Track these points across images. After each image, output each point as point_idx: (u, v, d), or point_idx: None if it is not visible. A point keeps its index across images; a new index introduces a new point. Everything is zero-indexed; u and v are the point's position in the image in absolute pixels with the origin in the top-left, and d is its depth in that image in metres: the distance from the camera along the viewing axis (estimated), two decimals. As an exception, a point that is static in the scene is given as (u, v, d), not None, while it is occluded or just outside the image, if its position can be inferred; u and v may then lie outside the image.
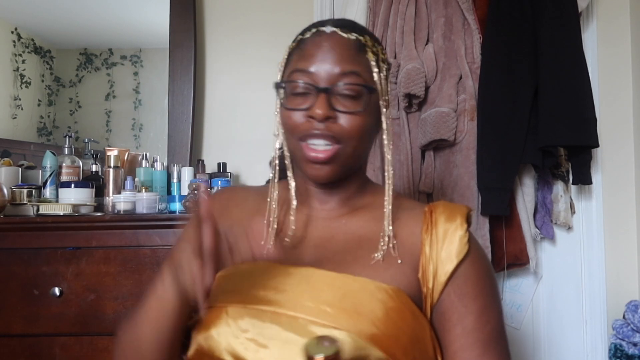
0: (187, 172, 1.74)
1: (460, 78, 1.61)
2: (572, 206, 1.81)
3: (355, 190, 0.84)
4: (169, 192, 1.75)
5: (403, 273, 0.75)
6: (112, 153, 1.72)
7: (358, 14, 1.70)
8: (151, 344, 0.73)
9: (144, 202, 1.54)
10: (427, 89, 1.62)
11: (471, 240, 0.77)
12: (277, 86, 0.79)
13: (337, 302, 0.70)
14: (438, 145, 1.63)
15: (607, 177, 1.86)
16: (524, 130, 1.57)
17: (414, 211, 0.81)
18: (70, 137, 1.76)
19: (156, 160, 1.77)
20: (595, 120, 1.57)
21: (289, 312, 0.70)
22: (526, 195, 1.71)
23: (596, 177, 1.81)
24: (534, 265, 1.70)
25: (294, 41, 0.82)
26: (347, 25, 0.79)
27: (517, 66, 1.58)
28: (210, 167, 1.82)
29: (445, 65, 1.61)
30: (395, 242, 0.77)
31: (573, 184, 1.70)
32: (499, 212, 1.57)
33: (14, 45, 2.00)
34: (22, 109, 1.99)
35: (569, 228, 1.81)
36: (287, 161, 0.83)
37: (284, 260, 0.76)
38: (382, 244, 0.76)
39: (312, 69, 0.76)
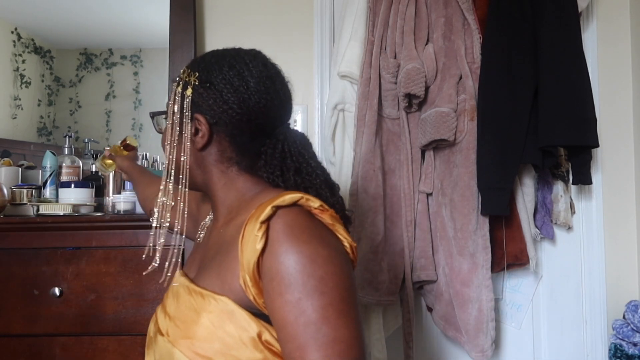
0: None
1: (460, 78, 1.61)
2: (572, 206, 1.81)
3: (216, 202, 0.92)
4: (169, 192, 1.75)
5: (227, 281, 0.80)
6: (112, 153, 1.73)
7: (358, 14, 1.70)
8: None
9: (144, 202, 1.54)
10: (427, 89, 1.62)
11: (272, 233, 0.75)
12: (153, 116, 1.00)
13: (172, 308, 0.86)
14: (438, 145, 1.63)
15: (607, 177, 1.86)
16: (524, 130, 1.57)
17: (243, 220, 0.82)
18: (70, 137, 1.76)
19: (156, 160, 1.77)
20: (595, 120, 1.57)
21: (156, 320, 0.89)
22: (526, 195, 1.71)
23: (596, 177, 1.81)
24: (534, 265, 1.70)
25: None
26: (191, 63, 0.92)
27: (517, 66, 1.58)
28: (210, 167, 1.82)
29: (445, 65, 1.61)
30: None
31: (573, 184, 1.70)
32: (499, 212, 1.57)
33: (14, 45, 2.00)
34: (22, 109, 1.99)
35: (569, 228, 1.81)
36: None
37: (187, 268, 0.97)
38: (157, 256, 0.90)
39: None
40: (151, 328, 0.91)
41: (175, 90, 0.87)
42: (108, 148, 1.49)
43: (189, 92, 0.85)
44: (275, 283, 0.73)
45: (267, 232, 0.75)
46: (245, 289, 0.76)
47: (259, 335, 0.77)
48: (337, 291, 0.73)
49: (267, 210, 0.76)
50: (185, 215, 0.89)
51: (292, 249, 0.74)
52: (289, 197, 0.78)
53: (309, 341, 0.70)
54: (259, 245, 0.74)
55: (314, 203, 0.79)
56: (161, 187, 0.89)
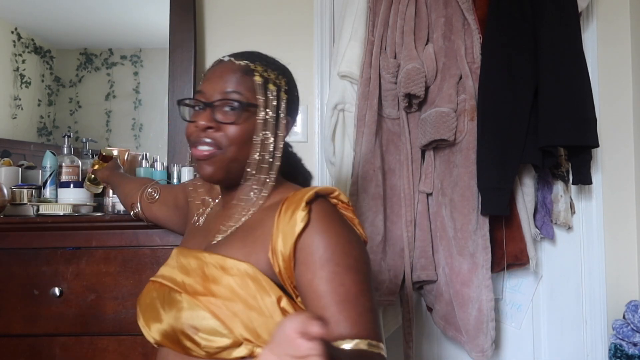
0: (187, 172, 1.74)
1: (460, 78, 1.61)
2: (572, 206, 1.81)
3: (240, 186, 0.97)
4: (169, 192, 1.75)
5: (254, 252, 0.87)
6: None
7: (358, 14, 1.70)
8: None
9: (144, 202, 1.54)
10: (427, 89, 1.62)
11: (313, 214, 0.84)
12: (180, 103, 0.98)
13: (195, 274, 0.88)
14: (438, 145, 1.63)
15: (607, 177, 1.86)
16: (524, 130, 1.57)
17: (276, 202, 0.92)
18: (70, 137, 1.76)
19: (156, 160, 1.76)
20: (595, 120, 1.57)
21: (169, 284, 0.91)
22: (526, 195, 1.71)
23: (596, 177, 1.81)
24: (534, 265, 1.70)
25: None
26: (242, 55, 0.96)
27: (517, 66, 1.58)
28: (210, 167, 1.82)
29: (445, 65, 1.61)
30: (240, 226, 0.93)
31: (573, 184, 1.70)
32: (499, 212, 1.57)
33: (14, 45, 2.00)
34: (22, 109, 1.99)
35: (569, 228, 1.81)
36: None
37: (189, 244, 1.01)
38: (224, 228, 0.94)
39: (205, 88, 0.93)
40: (151, 295, 0.95)
41: (268, 88, 0.93)
42: (108, 148, 1.50)
43: (284, 95, 0.95)
44: (316, 257, 0.81)
45: (309, 213, 0.84)
46: (273, 260, 0.84)
47: (278, 300, 0.83)
48: (366, 272, 0.84)
49: (311, 194, 0.85)
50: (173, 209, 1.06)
51: (332, 230, 0.84)
52: (329, 188, 0.90)
53: (348, 309, 0.78)
54: (302, 223, 0.82)
55: (344, 198, 0.91)
56: (248, 182, 0.94)
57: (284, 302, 0.83)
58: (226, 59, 0.96)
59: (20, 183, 1.66)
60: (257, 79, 0.92)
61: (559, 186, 1.77)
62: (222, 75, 0.93)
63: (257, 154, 0.91)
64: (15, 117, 1.98)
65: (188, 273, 0.89)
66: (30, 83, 2.01)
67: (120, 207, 1.56)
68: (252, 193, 0.94)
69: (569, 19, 1.59)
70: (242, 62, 0.94)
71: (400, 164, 1.66)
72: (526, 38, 1.59)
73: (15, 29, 2.00)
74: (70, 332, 1.40)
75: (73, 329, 1.39)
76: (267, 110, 0.92)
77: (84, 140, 1.91)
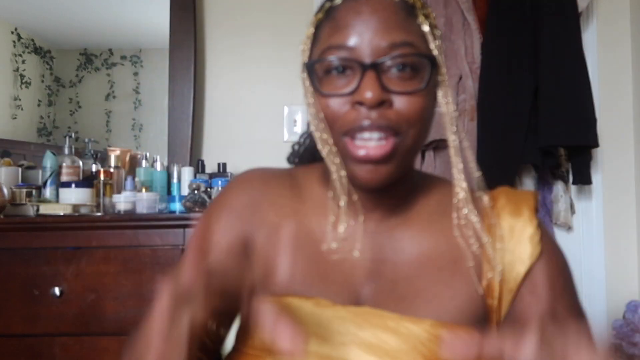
0: (187, 172, 1.74)
1: (460, 78, 1.61)
2: (572, 206, 1.81)
3: (407, 192, 0.67)
4: (169, 192, 1.75)
5: (468, 294, 0.62)
6: (114, 153, 1.73)
7: (358, 14, 1.70)
8: None
9: (144, 202, 1.54)
10: (427, 89, 1.62)
11: (543, 236, 0.64)
12: (308, 67, 0.61)
13: (402, 354, 0.57)
14: (438, 145, 1.63)
15: (607, 177, 1.86)
16: (524, 130, 1.57)
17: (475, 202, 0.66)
18: (70, 137, 1.76)
19: (156, 160, 1.77)
20: (595, 120, 1.57)
21: None
22: (526, 195, 1.71)
23: (596, 177, 1.81)
24: (534, 265, 1.69)
25: (319, 10, 0.63)
26: None
27: (517, 66, 1.58)
28: (210, 167, 1.82)
29: (445, 65, 1.61)
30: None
31: (573, 184, 1.70)
32: (499, 212, 1.57)
33: (14, 46, 2.00)
34: (22, 109, 1.99)
35: (569, 228, 1.81)
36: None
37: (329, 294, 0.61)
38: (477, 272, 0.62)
39: (352, 42, 0.58)
40: None
41: (435, 35, 0.62)
42: (109, 147, 1.49)
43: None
44: (543, 286, 0.63)
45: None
46: (487, 297, 0.62)
47: None
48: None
49: (536, 207, 0.65)
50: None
51: (560, 250, 0.67)
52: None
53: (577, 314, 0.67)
54: (537, 250, 0.63)
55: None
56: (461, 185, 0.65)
57: None
58: None
59: (20, 183, 1.66)
60: (422, 20, 0.61)
61: (559, 186, 1.77)
62: (379, 16, 0.58)
63: (454, 135, 0.64)
64: (15, 117, 1.98)
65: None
66: (30, 83, 2.01)
67: (120, 207, 1.56)
68: (461, 195, 0.64)
69: (569, 19, 1.59)
70: None
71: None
72: (526, 38, 1.59)
73: (15, 29, 2.00)
74: (70, 332, 1.39)
75: (73, 329, 1.39)
76: (444, 70, 0.63)
77: (85, 140, 1.91)
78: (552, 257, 0.65)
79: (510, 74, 1.58)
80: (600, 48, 1.88)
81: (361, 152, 0.57)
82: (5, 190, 1.52)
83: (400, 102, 0.58)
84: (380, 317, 0.59)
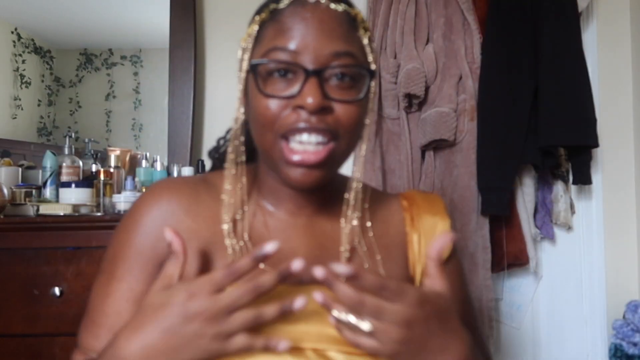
0: (187, 172, 1.74)
1: (460, 78, 1.61)
2: (572, 206, 1.81)
3: (332, 188, 0.72)
4: (169, 192, 1.75)
5: (395, 274, 0.70)
6: (114, 153, 1.73)
7: (358, 14, 1.70)
8: None
9: (144, 202, 1.54)
10: (427, 89, 1.62)
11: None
12: (252, 67, 0.62)
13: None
14: (438, 145, 1.63)
15: (607, 177, 1.86)
16: (524, 130, 1.57)
17: (389, 202, 0.75)
18: (71, 137, 1.76)
19: (156, 160, 1.77)
20: (595, 120, 1.57)
21: (314, 345, 0.60)
22: (526, 195, 1.71)
23: (596, 177, 1.81)
24: (534, 265, 1.70)
25: (262, 10, 0.65)
26: None
27: (517, 66, 1.58)
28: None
29: (445, 65, 1.61)
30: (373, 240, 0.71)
31: (573, 184, 1.70)
32: (499, 212, 1.57)
33: (14, 45, 2.00)
34: (22, 109, 1.99)
35: (569, 228, 1.81)
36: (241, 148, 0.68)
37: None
38: (345, 248, 0.68)
39: (296, 46, 0.60)
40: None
41: (372, 47, 0.67)
42: (109, 147, 1.48)
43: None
44: (459, 282, 0.74)
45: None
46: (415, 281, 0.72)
47: None
48: None
49: (445, 207, 0.75)
50: None
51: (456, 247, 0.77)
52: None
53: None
54: (450, 247, 0.72)
55: None
56: None
57: None
58: None
59: (20, 183, 1.66)
60: (362, 33, 0.64)
61: (559, 186, 1.77)
62: (323, 26, 0.61)
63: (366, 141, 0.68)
64: (15, 117, 1.98)
65: None
66: (30, 83, 2.01)
67: (120, 207, 1.56)
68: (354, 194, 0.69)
69: (569, 19, 1.59)
70: (340, 7, 0.63)
71: (400, 164, 1.66)
72: (526, 38, 1.59)
73: (15, 29, 2.00)
74: (70, 332, 1.39)
75: (73, 329, 1.38)
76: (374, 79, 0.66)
77: (86, 140, 1.91)
78: (457, 255, 0.75)
79: (510, 74, 1.58)
80: (600, 48, 1.88)
81: (295, 157, 0.61)
82: (5, 190, 1.52)
83: (339, 110, 0.61)
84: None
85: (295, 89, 0.60)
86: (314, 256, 0.67)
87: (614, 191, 1.86)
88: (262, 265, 0.59)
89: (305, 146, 0.61)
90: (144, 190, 1.59)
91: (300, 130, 0.60)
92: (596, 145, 1.57)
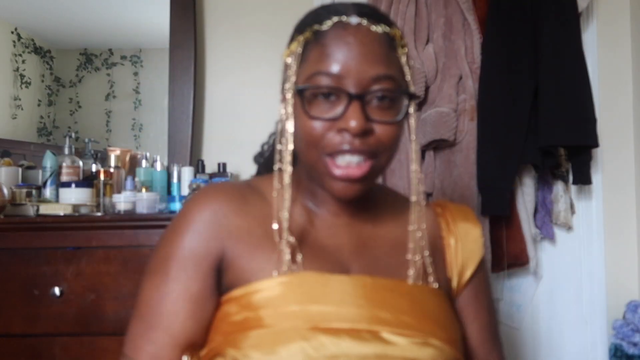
0: (187, 172, 1.74)
1: (460, 78, 1.61)
2: (572, 206, 1.81)
3: (370, 197, 0.78)
4: (169, 192, 1.75)
5: (441, 275, 0.76)
6: (114, 153, 1.73)
7: (358, 14, 1.70)
8: None
9: (144, 202, 1.54)
10: (427, 89, 1.62)
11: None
12: (299, 91, 0.66)
13: (411, 310, 0.67)
14: (438, 145, 1.63)
15: (607, 177, 1.86)
16: (524, 130, 1.57)
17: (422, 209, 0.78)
18: (71, 137, 1.76)
19: (156, 160, 1.77)
20: (595, 120, 1.57)
21: (369, 327, 0.64)
22: (526, 195, 1.71)
23: (596, 177, 1.81)
24: (534, 265, 1.70)
25: (304, 29, 0.68)
26: (373, 14, 0.67)
27: (517, 66, 1.58)
28: (210, 167, 1.83)
29: (445, 65, 1.61)
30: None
31: (573, 184, 1.70)
32: (499, 212, 1.57)
33: (14, 45, 2.00)
34: (22, 109, 1.99)
35: (569, 228, 1.81)
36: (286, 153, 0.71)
37: (324, 269, 0.68)
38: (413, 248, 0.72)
39: (339, 71, 0.64)
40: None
41: (410, 66, 0.71)
42: (109, 147, 1.49)
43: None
44: (487, 287, 0.81)
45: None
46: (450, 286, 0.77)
47: None
48: None
49: (473, 212, 0.81)
50: None
51: None
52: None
53: (499, 341, 0.82)
54: (483, 250, 0.79)
55: None
56: None
57: None
58: (353, 21, 0.65)
59: (20, 183, 1.66)
60: (400, 52, 0.68)
61: (559, 186, 1.77)
62: (365, 49, 0.65)
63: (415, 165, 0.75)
64: (15, 117, 1.98)
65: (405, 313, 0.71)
66: (30, 83, 2.01)
67: (120, 207, 1.56)
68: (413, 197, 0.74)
69: (569, 19, 1.59)
70: (380, 28, 0.66)
71: (400, 164, 1.66)
72: (526, 38, 1.59)
73: (15, 29, 2.00)
74: (70, 332, 1.39)
75: (73, 329, 1.39)
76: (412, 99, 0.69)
77: (86, 140, 1.91)
78: (485, 261, 0.81)
79: (510, 74, 1.58)
80: (600, 48, 1.88)
81: (339, 172, 0.65)
82: (5, 190, 1.52)
83: (379, 130, 0.66)
84: (377, 282, 0.69)
85: (338, 110, 0.65)
86: (358, 253, 0.72)
87: (614, 191, 1.86)
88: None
89: (349, 163, 0.66)
90: (144, 190, 1.59)
91: (344, 152, 0.65)
92: (596, 145, 1.57)
